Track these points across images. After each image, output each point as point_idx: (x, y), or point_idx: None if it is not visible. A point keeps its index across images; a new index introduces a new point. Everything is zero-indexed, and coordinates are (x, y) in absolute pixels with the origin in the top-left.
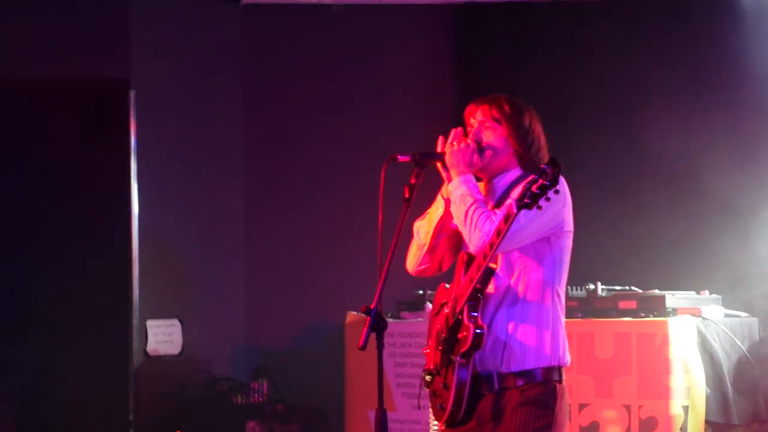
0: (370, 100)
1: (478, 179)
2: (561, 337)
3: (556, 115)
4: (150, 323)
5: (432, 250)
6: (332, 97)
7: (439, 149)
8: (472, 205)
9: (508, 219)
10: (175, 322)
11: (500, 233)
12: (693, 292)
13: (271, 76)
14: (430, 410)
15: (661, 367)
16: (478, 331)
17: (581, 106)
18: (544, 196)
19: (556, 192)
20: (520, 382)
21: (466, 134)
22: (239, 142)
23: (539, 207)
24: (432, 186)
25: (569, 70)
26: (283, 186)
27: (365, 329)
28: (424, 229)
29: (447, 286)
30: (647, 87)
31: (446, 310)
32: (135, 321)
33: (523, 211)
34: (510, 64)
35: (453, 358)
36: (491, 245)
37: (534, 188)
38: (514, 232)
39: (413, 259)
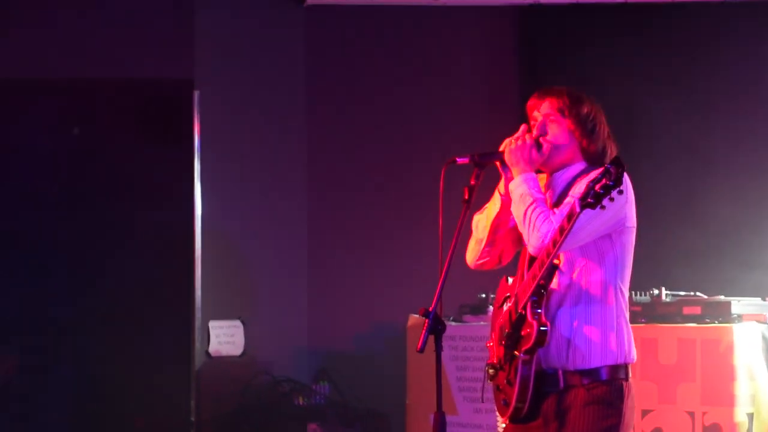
0: (433, 101)
1: (540, 173)
2: (626, 334)
3: (623, 120)
4: (212, 324)
5: (490, 244)
6: (395, 98)
7: (501, 148)
8: (531, 205)
9: (571, 218)
10: (238, 323)
11: (563, 231)
12: (759, 299)
13: (335, 77)
14: (497, 412)
15: (726, 373)
16: (542, 328)
17: (649, 111)
18: (608, 196)
19: (620, 192)
20: (585, 381)
21: (530, 129)
22: (302, 143)
23: (603, 207)
24: (492, 185)
25: (636, 74)
26: (345, 187)
27: (424, 332)
28: (482, 223)
29: (509, 280)
30: (714, 93)
31: (509, 305)
32: (197, 322)
33: (586, 210)
34: (576, 66)
35: (516, 354)
36: (554, 243)
37: (597, 188)
38: (576, 230)
39: (472, 253)
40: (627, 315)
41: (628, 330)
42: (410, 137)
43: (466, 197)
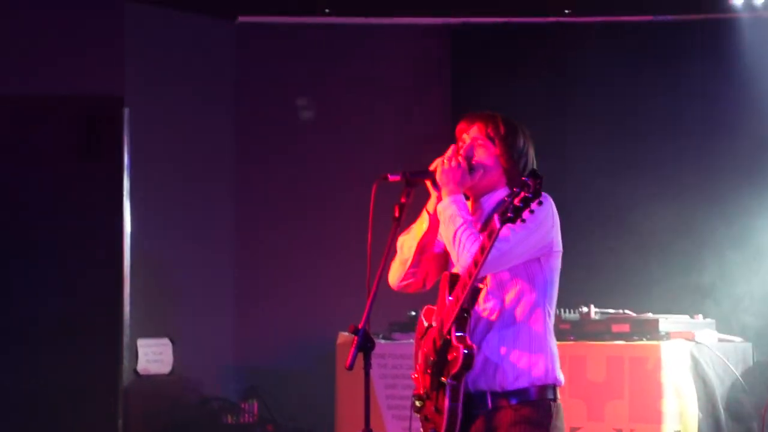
0: (363, 118)
1: (466, 197)
2: (554, 356)
3: (551, 138)
4: (141, 342)
5: (416, 265)
6: (325, 114)
7: (432, 168)
8: (461, 225)
9: (491, 235)
10: (166, 341)
11: (484, 250)
12: (687, 316)
13: (265, 93)
14: None
15: (654, 391)
16: (467, 351)
17: (576, 129)
18: (528, 209)
19: (540, 204)
20: (513, 401)
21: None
22: (231, 160)
23: (523, 220)
24: (422, 203)
25: (567, 92)
26: (275, 204)
27: (353, 349)
28: (407, 244)
29: (431, 308)
30: (643, 110)
31: (433, 333)
32: (125, 340)
33: (510, 230)
34: (505, 84)
35: (443, 380)
36: (475, 263)
37: (516, 201)
38: (503, 253)
39: (396, 274)
40: (554, 338)
41: (556, 353)
42: (341, 154)
43: (397, 215)
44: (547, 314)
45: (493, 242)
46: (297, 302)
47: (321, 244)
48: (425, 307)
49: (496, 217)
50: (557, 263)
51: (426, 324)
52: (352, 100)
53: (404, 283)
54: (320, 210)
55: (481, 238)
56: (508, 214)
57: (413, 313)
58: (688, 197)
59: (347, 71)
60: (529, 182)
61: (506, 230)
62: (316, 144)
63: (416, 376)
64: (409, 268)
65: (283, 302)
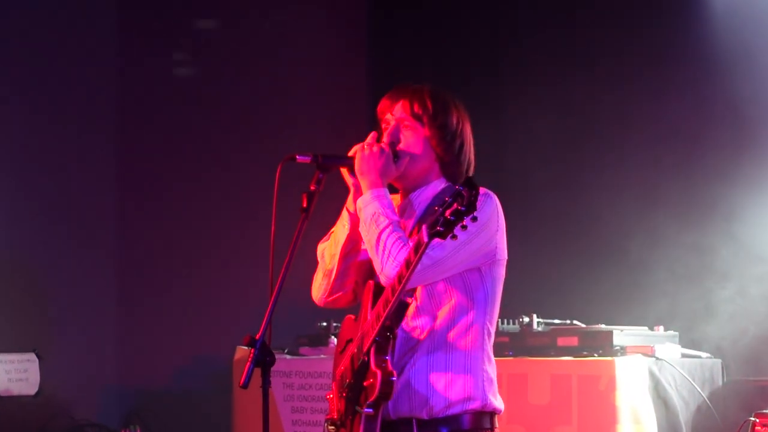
0: (268, 95)
1: (394, 189)
2: (492, 381)
3: (487, 118)
4: (1, 358)
5: (342, 275)
6: (221, 93)
7: (351, 153)
8: (386, 228)
9: (418, 249)
10: (32, 356)
11: (410, 264)
12: (645, 328)
13: (151, 70)
14: None
15: (607, 416)
16: (385, 379)
17: (516, 118)
18: (460, 224)
19: (474, 219)
20: (444, 431)
21: (380, 134)
22: (111, 150)
23: (454, 236)
24: (339, 196)
25: (500, 65)
26: (164, 198)
27: (248, 364)
28: (329, 251)
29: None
30: (595, 102)
31: (352, 350)
32: None
33: (437, 241)
34: (436, 45)
35: (359, 408)
36: (400, 278)
37: (448, 214)
38: (435, 261)
39: (319, 289)
40: (493, 359)
41: (495, 376)
42: (240, 138)
43: (305, 205)
44: (486, 333)
45: (419, 257)
46: (190, 312)
47: (218, 243)
48: (346, 317)
49: (424, 228)
50: (501, 273)
51: (346, 339)
52: (253, 73)
53: (331, 298)
54: (217, 205)
55: (411, 245)
56: (438, 228)
57: (324, 324)
58: (645, 195)
59: (255, 41)
60: (464, 193)
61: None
62: (211, 125)
63: (331, 396)
64: (334, 281)
65: (174, 312)
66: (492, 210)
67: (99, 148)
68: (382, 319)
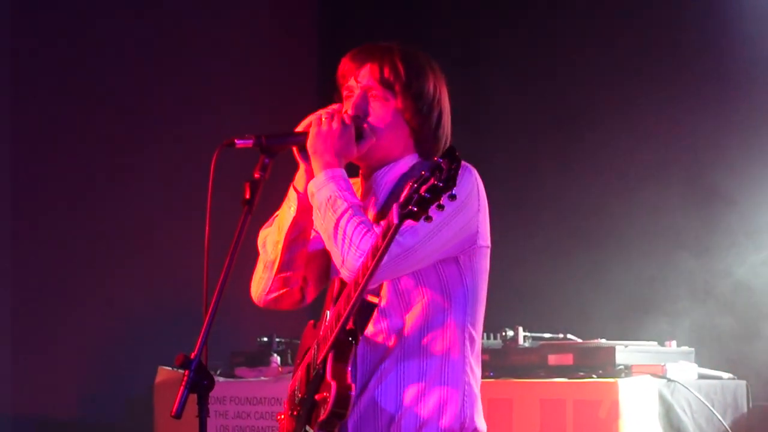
0: (199, 72)
1: (354, 171)
2: (474, 397)
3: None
4: None
5: (286, 268)
6: (141, 69)
7: (301, 129)
8: (345, 212)
9: (387, 233)
10: None
11: (377, 252)
12: (654, 344)
13: (47, 40)
14: None
15: None
16: (343, 392)
17: (490, 91)
18: (437, 202)
19: (452, 197)
20: None
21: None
22: (5, 134)
23: (429, 218)
24: (286, 180)
25: (477, 41)
26: (69, 195)
27: (181, 389)
28: (272, 238)
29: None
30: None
31: (309, 358)
32: None
33: (409, 223)
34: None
35: (308, 429)
36: (365, 269)
37: (423, 191)
38: (406, 249)
39: (259, 284)
40: (478, 371)
41: (478, 392)
42: (165, 121)
43: (248, 196)
44: (467, 337)
45: (388, 243)
46: (101, 327)
47: (138, 245)
48: (308, 322)
49: (394, 207)
50: (484, 264)
51: (305, 348)
52: (180, 45)
53: (273, 295)
54: (137, 201)
55: (376, 231)
56: (411, 207)
57: (265, 340)
58: (655, 191)
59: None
60: (443, 165)
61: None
62: (128, 99)
63: (282, 417)
64: (276, 274)
65: (81, 328)
66: (472, 186)
67: None
68: (342, 320)
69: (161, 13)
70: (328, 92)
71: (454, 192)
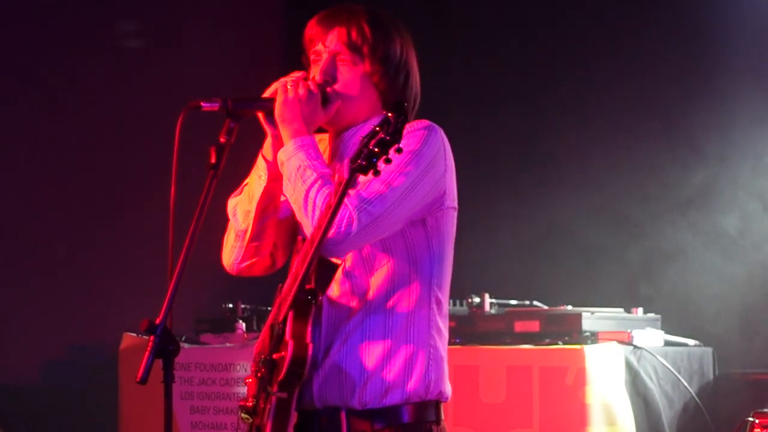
0: (160, 29)
1: (321, 131)
2: (440, 360)
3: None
4: None
5: (257, 237)
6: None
7: (268, 95)
8: (315, 182)
9: (338, 190)
10: None
11: (329, 210)
12: (621, 310)
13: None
14: None
15: (575, 416)
16: (300, 351)
17: (466, 51)
18: (384, 156)
19: (399, 151)
20: (379, 425)
21: (307, 74)
22: None
23: (377, 172)
24: (254, 147)
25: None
26: (35, 150)
27: (147, 354)
28: (242, 207)
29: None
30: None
31: (271, 319)
32: None
33: (374, 193)
34: None
35: (269, 389)
36: (319, 227)
37: (371, 145)
38: (373, 220)
39: (231, 252)
40: (446, 334)
41: (444, 356)
42: (126, 78)
43: (213, 160)
44: (433, 300)
45: (340, 197)
46: (63, 290)
47: (100, 206)
48: (279, 285)
49: (345, 162)
50: (451, 225)
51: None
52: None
53: (245, 263)
54: (101, 164)
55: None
56: (360, 162)
57: (230, 306)
58: (626, 152)
59: None
60: (390, 118)
61: (376, 182)
62: (88, 68)
63: (250, 381)
64: (248, 242)
65: (42, 290)
66: (438, 146)
67: None
68: (299, 279)
69: None
70: (295, 56)
71: (401, 145)
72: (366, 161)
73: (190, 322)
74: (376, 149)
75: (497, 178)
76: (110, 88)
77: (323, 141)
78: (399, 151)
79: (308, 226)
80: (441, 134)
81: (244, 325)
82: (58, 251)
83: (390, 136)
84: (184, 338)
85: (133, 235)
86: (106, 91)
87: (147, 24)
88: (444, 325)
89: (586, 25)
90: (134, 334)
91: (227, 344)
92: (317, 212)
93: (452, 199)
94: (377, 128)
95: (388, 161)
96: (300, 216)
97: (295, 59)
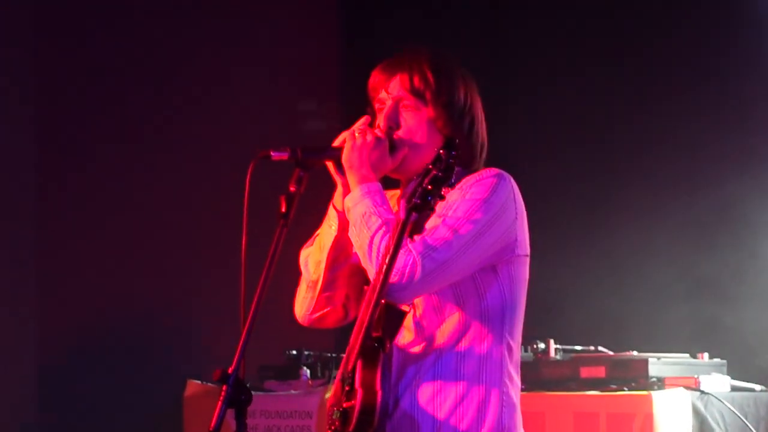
0: (230, 77)
1: (390, 182)
2: (513, 407)
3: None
4: None
5: (329, 287)
6: (174, 75)
7: (338, 144)
8: (379, 229)
9: (395, 231)
10: None
11: (387, 253)
12: (687, 356)
13: (69, 50)
14: None
15: None
16: (369, 399)
17: (527, 100)
18: (438, 194)
19: (450, 185)
20: None
21: (374, 117)
22: (30, 147)
23: (431, 209)
24: (324, 197)
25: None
26: (95, 197)
27: (219, 404)
28: (314, 258)
29: None
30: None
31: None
32: None
33: (444, 225)
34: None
35: None
36: (380, 272)
37: (425, 183)
38: (438, 266)
39: (303, 303)
40: (518, 381)
41: (517, 403)
42: (200, 129)
43: (284, 209)
44: (506, 348)
45: (399, 239)
46: (127, 337)
47: (170, 254)
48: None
49: (402, 203)
50: (524, 272)
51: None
52: (212, 50)
53: (317, 314)
54: (169, 212)
55: (409, 246)
56: (415, 201)
57: (294, 353)
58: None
59: (208, 20)
60: (442, 155)
61: (443, 228)
62: (163, 118)
63: None
64: (320, 294)
65: (107, 337)
66: (508, 193)
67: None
68: (365, 326)
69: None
70: (356, 103)
71: (452, 180)
72: (420, 200)
73: (255, 369)
74: (429, 186)
75: (561, 223)
76: (180, 141)
77: (394, 196)
78: (451, 185)
79: (372, 272)
80: (511, 182)
81: (308, 371)
82: (126, 296)
83: (442, 172)
84: (248, 385)
85: (207, 285)
86: (177, 143)
87: (203, 75)
88: (516, 373)
89: (651, 65)
90: (198, 381)
91: (292, 391)
92: (380, 258)
93: (524, 246)
94: (430, 166)
95: (441, 198)
96: (365, 262)
97: (355, 106)
